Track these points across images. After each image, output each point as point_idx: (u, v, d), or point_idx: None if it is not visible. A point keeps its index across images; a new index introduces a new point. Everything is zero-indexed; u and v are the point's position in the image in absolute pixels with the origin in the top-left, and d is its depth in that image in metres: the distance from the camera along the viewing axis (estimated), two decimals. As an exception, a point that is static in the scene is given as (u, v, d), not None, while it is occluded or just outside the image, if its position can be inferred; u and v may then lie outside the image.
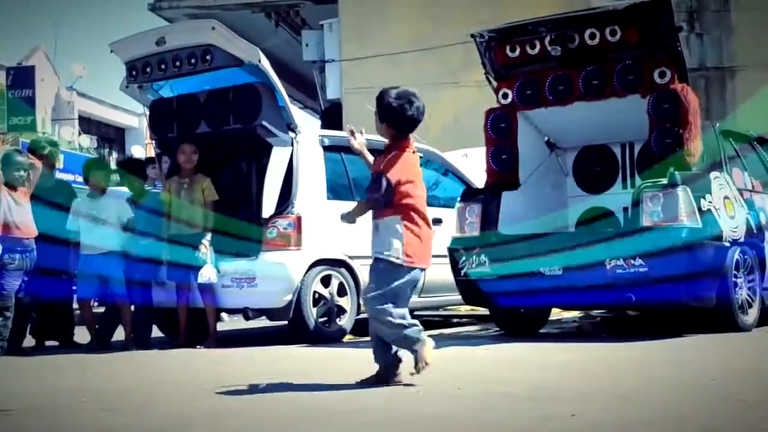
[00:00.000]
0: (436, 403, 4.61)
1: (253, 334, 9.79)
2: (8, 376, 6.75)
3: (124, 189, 9.02)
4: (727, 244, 7.52)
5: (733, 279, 7.48)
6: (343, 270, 8.48)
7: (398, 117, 5.28)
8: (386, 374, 5.26)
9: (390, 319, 5.16)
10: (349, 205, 8.42)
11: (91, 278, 8.23)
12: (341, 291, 8.46)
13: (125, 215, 8.35)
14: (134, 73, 8.90)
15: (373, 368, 5.28)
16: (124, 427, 4.41)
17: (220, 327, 8.69)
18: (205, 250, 8.11)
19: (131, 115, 36.07)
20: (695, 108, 7.59)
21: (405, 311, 5.24)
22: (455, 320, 10.89)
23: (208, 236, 8.18)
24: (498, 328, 8.70)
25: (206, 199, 8.29)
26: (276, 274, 8.11)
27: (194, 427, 4.34)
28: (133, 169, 8.97)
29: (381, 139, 5.49)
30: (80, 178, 9.05)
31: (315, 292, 8.27)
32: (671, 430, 3.84)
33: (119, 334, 8.46)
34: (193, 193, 8.33)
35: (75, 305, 8.76)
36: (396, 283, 5.20)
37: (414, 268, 5.25)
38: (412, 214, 5.24)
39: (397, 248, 5.19)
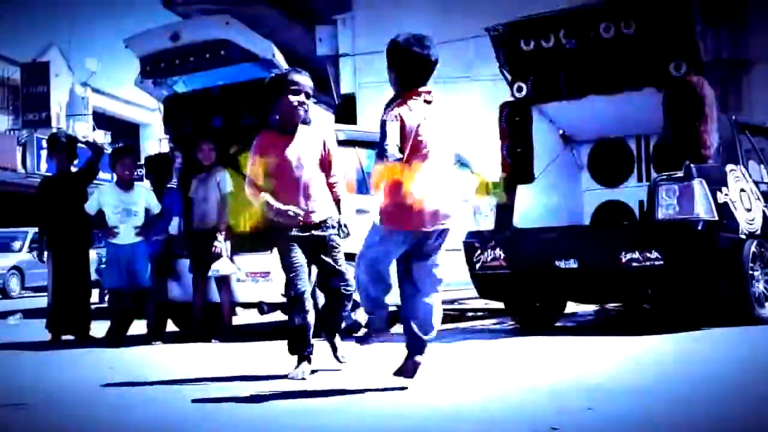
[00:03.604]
0: (450, 396, 4.60)
1: (268, 328, 9.80)
2: (24, 371, 6.79)
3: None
4: (744, 237, 7.49)
5: (750, 272, 7.45)
6: (357, 264, 8.46)
7: (406, 58, 4.76)
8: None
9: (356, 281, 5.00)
10: (364, 200, 8.49)
11: (119, 267, 8.24)
12: (356, 285, 8.45)
13: (154, 207, 8.37)
14: (148, 68, 8.93)
15: (386, 362, 5.25)
16: (137, 421, 4.43)
17: (235, 321, 8.70)
18: (220, 243, 8.12)
19: (146, 111, 36.16)
20: (711, 100, 7.55)
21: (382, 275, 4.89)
22: (470, 314, 10.88)
23: (224, 229, 8.19)
24: (513, 322, 8.68)
25: (221, 192, 8.30)
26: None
27: (206, 421, 4.35)
28: (159, 165, 8.98)
29: (372, 132, 5.22)
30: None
31: (330, 286, 8.25)
32: (687, 424, 3.83)
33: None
34: (209, 188, 8.34)
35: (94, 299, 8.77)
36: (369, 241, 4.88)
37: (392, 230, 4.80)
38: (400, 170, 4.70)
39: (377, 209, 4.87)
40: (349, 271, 5.61)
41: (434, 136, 4.80)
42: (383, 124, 4.70)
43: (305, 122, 5.61)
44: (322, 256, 5.61)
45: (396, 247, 4.86)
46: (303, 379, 5.33)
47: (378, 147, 4.69)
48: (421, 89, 4.83)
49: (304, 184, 5.52)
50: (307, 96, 5.55)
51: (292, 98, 5.47)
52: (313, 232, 5.54)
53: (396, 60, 4.82)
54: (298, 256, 5.49)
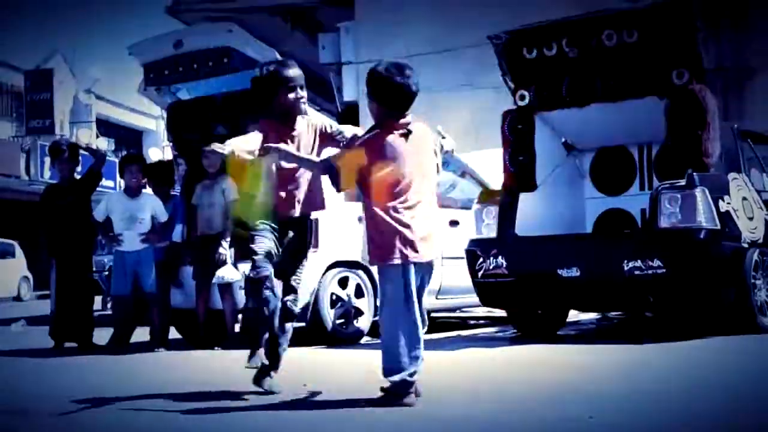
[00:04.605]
0: (452, 405, 4.60)
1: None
2: (26, 378, 6.80)
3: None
4: (746, 246, 7.49)
5: (752, 280, 7.45)
6: (360, 272, 8.48)
7: (386, 87, 4.72)
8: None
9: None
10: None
11: (125, 275, 8.27)
12: (359, 292, 8.47)
13: (161, 215, 8.40)
14: (152, 75, 8.96)
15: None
16: (139, 428, 4.44)
17: (238, 328, 8.70)
18: (224, 250, 8.13)
19: (149, 118, 36.26)
20: (713, 109, 7.56)
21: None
22: (472, 322, 10.88)
23: (228, 237, 8.21)
24: (515, 330, 8.68)
25: (226, 199, 8.32)
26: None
27: (209, 429, 4.36)
28: (161, 172, 9.00)
29: None
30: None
31: (332, 293, 8.28)
32: (690, 432, 3.84)
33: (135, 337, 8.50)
34: (214, 195, 8.36)
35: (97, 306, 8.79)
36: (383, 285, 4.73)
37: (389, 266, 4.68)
38: (379, 203, 4.67)
39: (363, 247, 4.78)
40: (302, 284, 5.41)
41: (413, 169, 4.72)
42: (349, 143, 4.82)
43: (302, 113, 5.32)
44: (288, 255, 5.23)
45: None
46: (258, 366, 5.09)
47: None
48: (400, 122, 4.76)
49: (299, 176, 5.23)
50: (302, 88, 5.25)
51: (291, 96, 5.20)
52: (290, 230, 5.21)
53: (376, 89, 4.78)
54: (269, 241, 5.10)
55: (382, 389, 4.70)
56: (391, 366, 4.63)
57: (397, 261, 4.65)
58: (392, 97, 4.75)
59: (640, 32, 7.68)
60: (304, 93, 5.26)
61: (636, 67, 7.81)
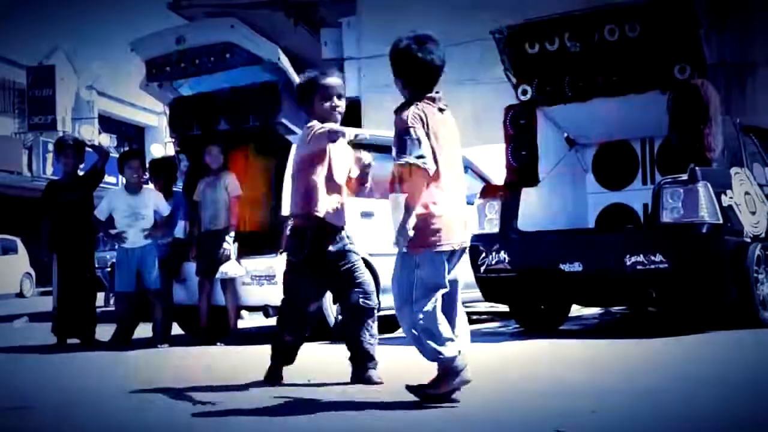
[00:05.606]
0: (453, 399, 4.60)
1: (273, 331, 9.81)
2: (28, 374, 6.80)
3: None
4: (748, 240, 7.49)
5: (755, 275, 7.45)
6: (362, 267, 8.46)
7: (408, 63, 4.46)
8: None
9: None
10: (369, 203, 8.50)
11: (128, 271, 8.28)
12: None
13: (163, 209, 8.42)
14: (154, 71, 8.95)
15: (387, 366, 5.25)
16: (142, 424, 4.44)
17: (240, 324, 8.71)
18: (228, 246, 8.14)
19: (151, 114, 36.25)
20: (715, 103, 7.56)
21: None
22: (474, 317, 10.88)
23: (232, 233, 8.22)
24: (518, 325, 8.68)
25: (229, 195, 8.32)
26: (296, 271, 8.11)
27: (211, 424, 4.36)
28: (164, 168, 9.01)
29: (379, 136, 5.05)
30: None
31: (335, 289, 8.26)
32: (691, 428, 3.83)
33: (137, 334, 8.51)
34: (217, 191, 8.36)
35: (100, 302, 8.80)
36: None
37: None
38: (420, 185, 4.36)
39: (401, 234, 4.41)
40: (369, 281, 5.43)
41: (450, 145, 4.56)
42: (406, 131, 4.33)
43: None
44: (340, 266, 5.34)
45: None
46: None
47: (399, 155, 4.33)
48: (434, 95, 4.52)
49: (341, 187, 5.38)
50: (339, 97, 5.30)
51: (326, 104, 5.26)
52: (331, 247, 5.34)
53: (399, 66, 4.55)
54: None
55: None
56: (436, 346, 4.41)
57: (444, 247, 4.43)
58: (416, 74, 4.50)
59: (642, 27, 7.67)
60: (341, 102, 5.29)
61: (638, 62, 7.80)
